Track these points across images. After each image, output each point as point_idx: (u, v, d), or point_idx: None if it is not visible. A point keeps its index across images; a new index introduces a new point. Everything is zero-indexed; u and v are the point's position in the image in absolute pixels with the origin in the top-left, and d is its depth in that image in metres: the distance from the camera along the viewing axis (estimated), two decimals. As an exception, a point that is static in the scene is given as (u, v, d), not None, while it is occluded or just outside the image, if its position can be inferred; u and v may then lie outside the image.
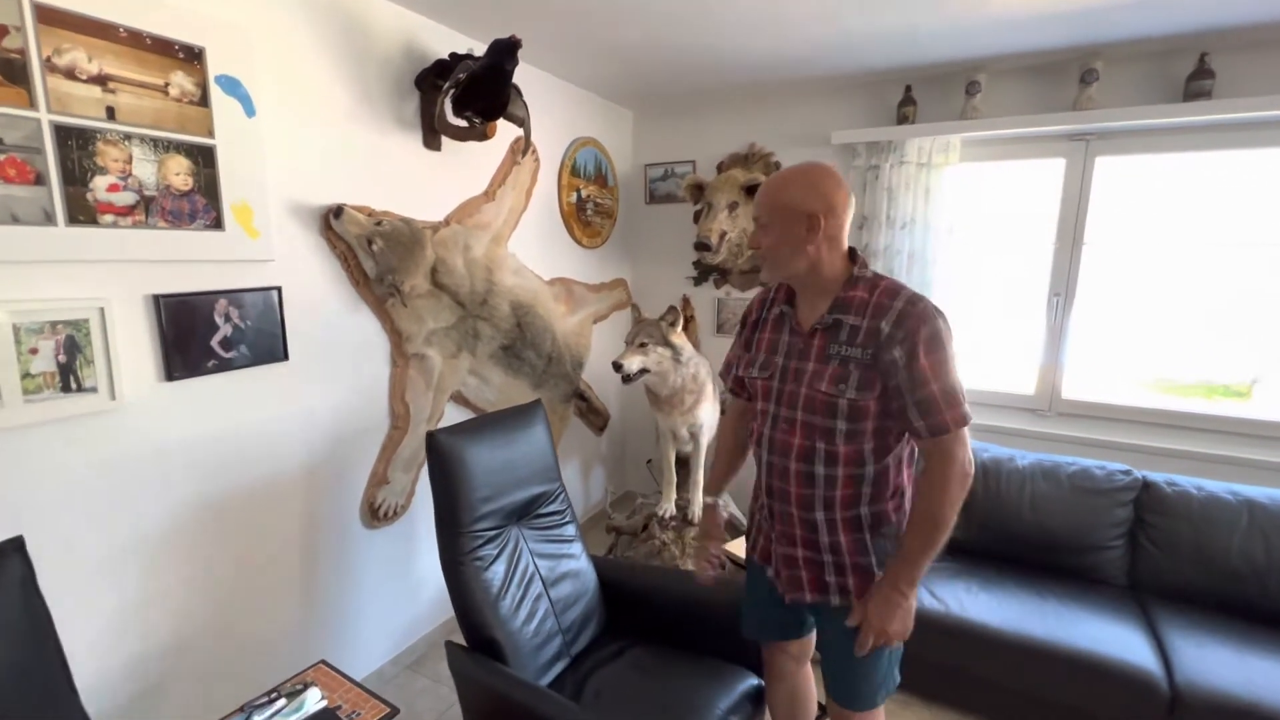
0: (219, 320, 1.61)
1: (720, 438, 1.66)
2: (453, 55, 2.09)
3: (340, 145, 1.89)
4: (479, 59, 1.98)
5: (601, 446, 3.55)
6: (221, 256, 1.59)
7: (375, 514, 2.12)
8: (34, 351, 1.29)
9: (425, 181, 2.19)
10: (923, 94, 2.71)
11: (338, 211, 1.82)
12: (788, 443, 1.27)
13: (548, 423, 2.03)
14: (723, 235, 2.86)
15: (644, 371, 2.18)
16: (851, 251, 1.27)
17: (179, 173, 1.48)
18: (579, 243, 3.09)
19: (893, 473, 1.25)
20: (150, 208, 1.43)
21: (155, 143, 1.43)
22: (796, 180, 1.22)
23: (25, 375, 1.28)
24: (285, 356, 1.78)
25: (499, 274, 2.46)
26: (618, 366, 2.10)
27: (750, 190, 2.87)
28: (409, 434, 2.19)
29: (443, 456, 1.67)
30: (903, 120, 2.73)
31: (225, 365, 1.64)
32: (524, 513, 1.88)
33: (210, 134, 1.53)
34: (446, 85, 1.97)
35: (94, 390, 1.38)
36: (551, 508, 1.96)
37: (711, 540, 1.61)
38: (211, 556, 1.67)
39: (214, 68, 1.52)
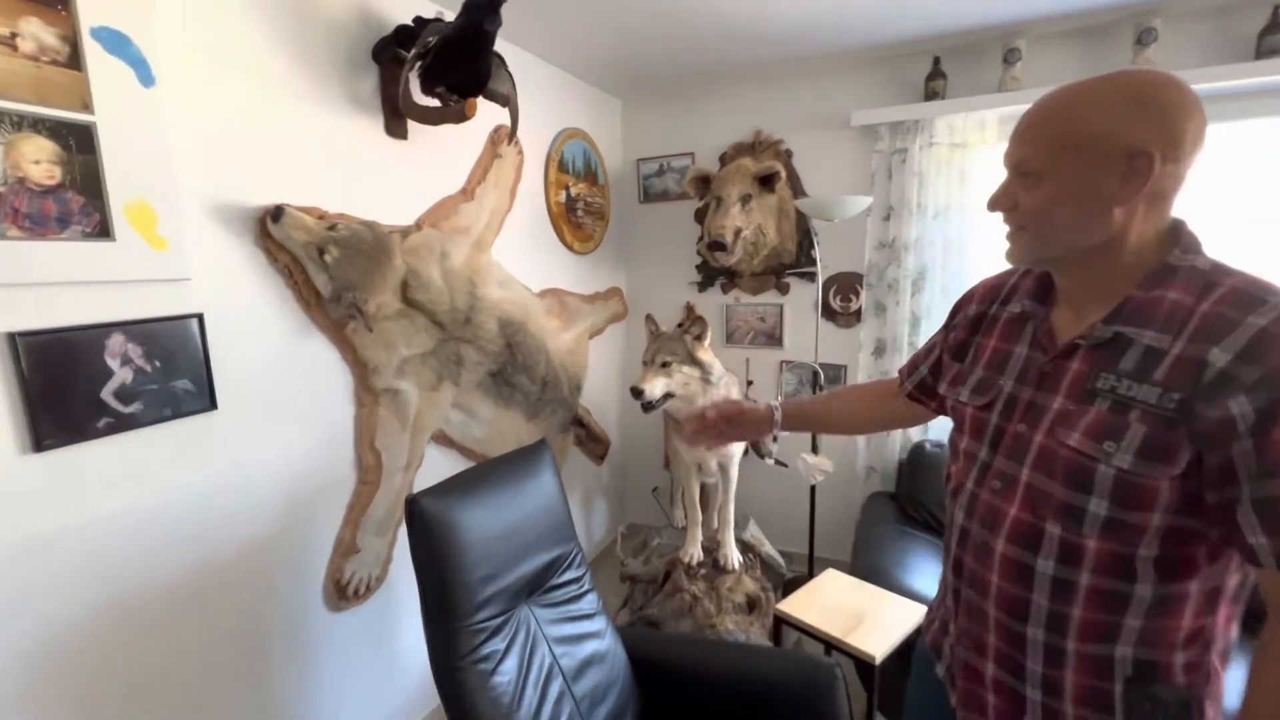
0: (112, 363, 1.18)
1: (847, 391, 1.35)
2: (417, 20, 1.69)
3: (279, 129, 1.48)
4: (451, 22, 1.59)
5: (603, 476, 3.15)
6: (112, 275, 1.16)
7: (343, 592, 1.69)
8: None
9: (390, 176, 1.78)
10: (953, 66, 2.41)
11: (276, 213, 1.40)
12: (998, 511, 0.85)
13: (556, 466, 1.63)
14: (737, 232, 2.51)
15: (668, 397, 1.81)
16: (1176, 225, 0.79)
17: (39, 160, 1.05)
18: (570, 248, 2.71)
19: (1194, 608, 0.75)
20: (-6, 209, 1.00)
21: (-1, 117, 1.00)
22: (1112, 95, 0.73)
23: None
24: (212, 404, 1.35)
25: (483, 287, 2.05)
26: (638, 393, 1.72)
27: (765, 180, 2.53)
28: (381, 488, 1.77)
29: (429, 529, 1.26)
30: (931, 96, 2.43)
31: (125, 423, 1.20)
32: (535, 586, 1.48)
33: (86, 107, 1.10)
34: (412, 54, 1.57)
35: (-90, 477, 0.94)
36: (567, 575, 1.57)
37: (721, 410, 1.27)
38: (116, 679, 1.23)
39: (89, 17, 1.10)
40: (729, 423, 1.27)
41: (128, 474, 1.22)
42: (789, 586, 2.43)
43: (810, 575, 2.77)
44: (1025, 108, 0.83)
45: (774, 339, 2.94)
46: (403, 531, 1.85)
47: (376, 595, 1.80)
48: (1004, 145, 0.85)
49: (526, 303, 2.31)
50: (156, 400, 1.25)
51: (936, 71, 2.41)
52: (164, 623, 1.30)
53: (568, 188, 2.65)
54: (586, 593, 1.60)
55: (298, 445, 1.57)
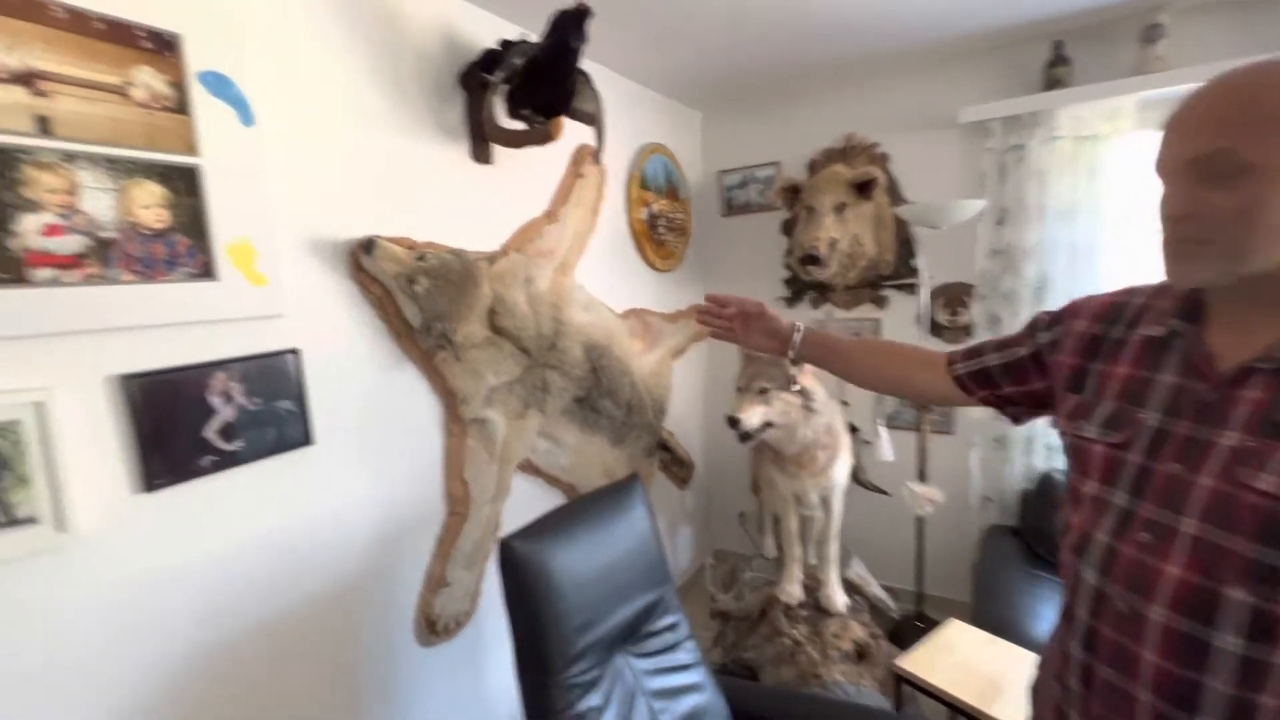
0: (215, 401, 1.18)
1: (882, 344, 1.23)
2: (503, 43, 1.67)
3: (368, 160, 1.47)
4: (536, 43, 1.55)
5: (687, 502, 3.03)
6: (215, 315, 1.17)
7: (433, 628, 1.65)
8: (-67, 476, 0.87)
9: (475, 202, 1.76)
10: (1079, 50, 2.15)
11: (368, 246, 1.39)
12: (1151, 571, 0.70)
13: (648, 501, 1.53)
14: (832, 244, 2.34)
15: (767, 426, 1.67)
16: None
17: (149, 205, 1.06)
18: (652, 266, 2.62)
19: None
20: (108, 255, 1.02)
21: (113, 164, 1.02)
22: None
23: (-81, 513, 0.86)
24: (308, 440, 1.34)
25: (568, 310, 2.00)
26: (734, 422, 1.60)
27: (861, 188, 2.35)
28: (470, 519, 1.73)
29: (523, 574, 1.18)
30: (1053, 84, 2.18)
31: (227, 461, 1.20)
32: (629, 634, 1.38)
33: (193, 150, 1.12)
34: (499, 76, 1.54)
35: (31, 522, 0.96)
36: (663, 620, 1.45)
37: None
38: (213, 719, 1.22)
39: (195, 61, 1.12)
40: (745, 321, 1.19)
41: (230, 512, 1.22)
42: (899, 631, 2.21)
43: (920, 616, 2.52)
44: (1173, 91, 0.67)
45: (871, 356, 2.72)
46: (490, 565, 1.82)
47: (465, 631, 1.75)
48: (1142, 134, 0.69)
49: (610, 325, 2.23)
50: (257, 437, 1.25)
51: (1059, 58, 2.16)
52: (259, 661, 1.29)
53: (649, 204, 2.58)
54: (684, 640, 1.48)
55: (390, 478, 1.55)
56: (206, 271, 1.14)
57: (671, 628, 1.46)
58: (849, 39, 2.21)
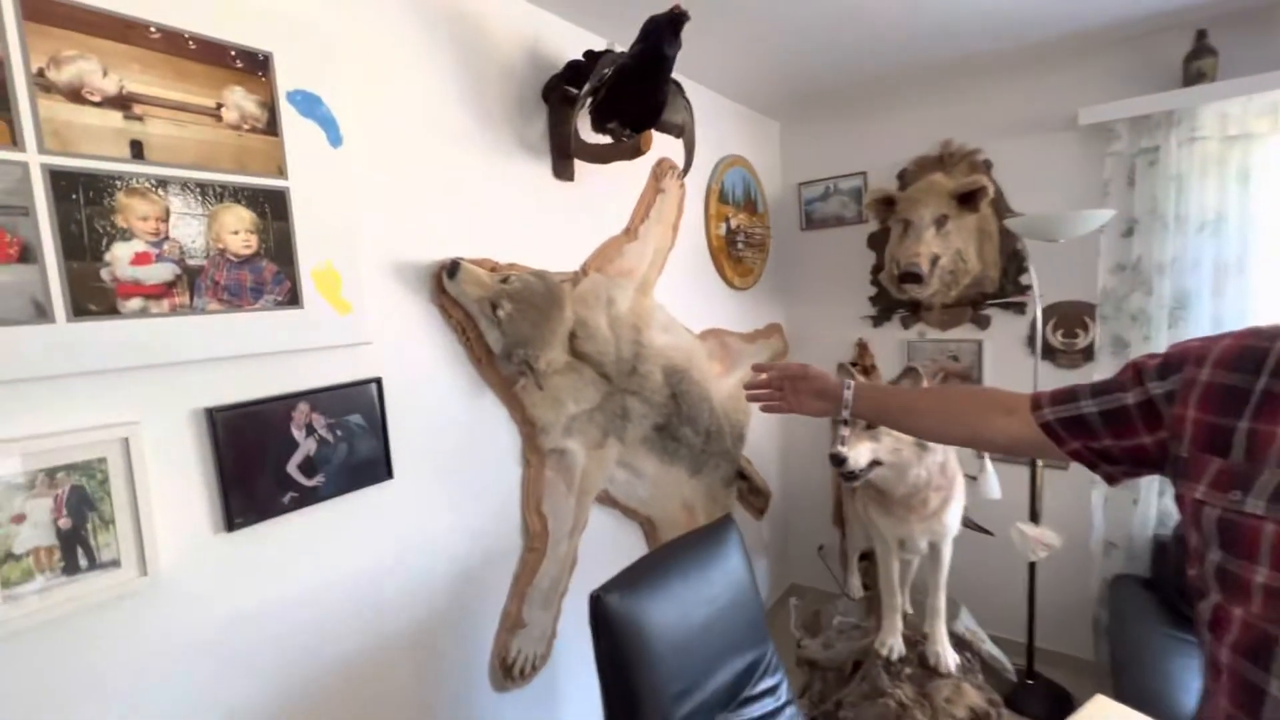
0: (298, 434, 1.12)
1: (947, 391, 1.10)
2: (588, 54, 1.59)
3: (450, 179, 1.41)
4: (625, 52, 1.46)
5: (763, 532, 2.85)
6: (299, 344, 1.11)
7: (509, 672, 1.55)
8: (19, 519, 0.83)
9: (556, 221, 1.68)
10: (1227, 39, 1.90)
11: (452, 269, 1.32)
12: None
13: (744, 545, 1.39)
14: (934, 260, 2.15)
15: (875, 465, 1.50)
16: None
17: (238, 230, 1.02)
18: (730, 284, 2.49)
19: None
20: (196, 284, 0.97)
21: (204, 189, 0.98)
22: None
23: (4, 558, 0.81)
24: (389, 474, 1.27)
25: (648, 332, 1.89)
26: (839, 460, 1.44)
27: (965, 199, 2.15)
28: (548, 556, 1.63)
29: (618, 635, 1.06)
30: (1195, 79, 1.92)
31: (308, 497, 1.14)
32: (729, 698, 1.23)
33: (281, 172, 1.07)
34: (586, 89, 1.45)
35: (114, 565, 0.91)
36: (764, 683, 1.31)
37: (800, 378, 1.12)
38: (293, 774, 1.15)
39: (285, 81, 1.07)
40: (792, 386, 1.13)
41: (309, 551, 1.16)
42: (1014, 695, 1.97)
43: (1030, 673, 2.26)
44: None
45: (971, 381, 2.49)
46: (567, 604, 1.71)
47: (540, 676, 1.64)
48: None
49: (689, 347, 2.11)
50: (338, 472, 1.18)
51: (1202, 48, 1.91)
52: (337, 703, 1.21)
53: (728, 219, 2.45)
54: (786, 705, 1.32)
55: (467, 513, 1.47)
56: (292, 299, 1.09)
57: (772, 691, 1.31)
58: (949, 39, 2.03)
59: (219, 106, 0.99)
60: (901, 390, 1.07)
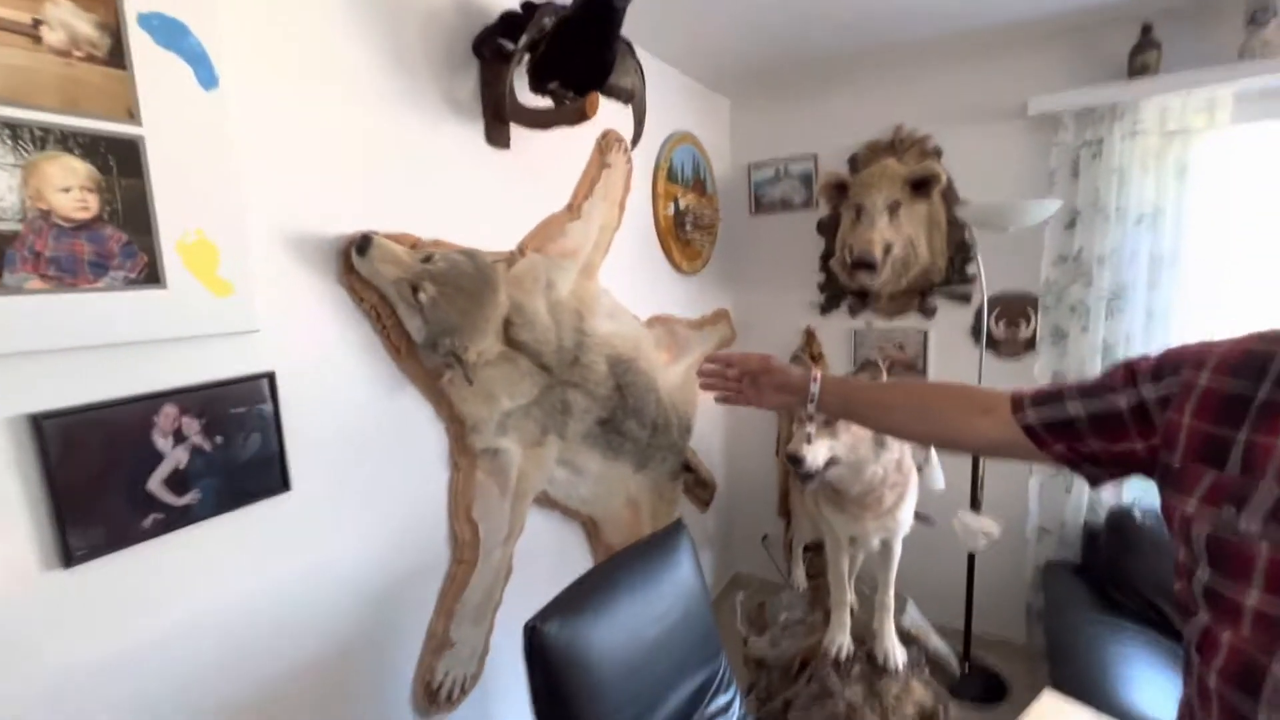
0: (162, 443, 0.91)
1: (918, 387, 1.02)
2: (526, 5, 1.40)
3: (363, 140, 1.21)
4: (567, 3, 1.28)
5: (708, 524, 2.78)
6: (161, 332, 0.90)
7: (434, 697, 1.39)
8: None
9: (490, 193, 1.50)
10: (1171, 33, 1.91)
11: (363, 244, 1.12)
12: None
13: (694, 550, 1.28)
14: (887, 248, 2.09)
15: (832, 463, 1.42)
16: None
17: (69, 187, 0.80)
18: (678, 268, 2.37)
19: None
20: (7, 255, 0.75)
21: (14, 131, 0.75)
22: None
23: None
24: (285, 485, 1.08)
25: (591, 319, 1.74)
26: (797, 460, 1.35)
27: (918, 186, 2.10)
28: (479, 567, 1.47)
29: (557, 670, 0.93)
30: (1140, 72, 1.93)
31: (178, 518, 0.94)
32: (680, 723, 1.12)
33: (132, 116, 0.85)
34: (523, 42, 1.27)
35: (-110, 624, 0.69)
36: (717, 701, 1.21)
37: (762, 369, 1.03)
38: None
39: (137, 0, 0.85)
40: (752, 381, 1.03)
41: (182, 582, 0.96)
42: (956, 687, 1.97)
43: (966, 656, 2.29)
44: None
45: (915, 370, 2.48)
46: (502, 616, 1.56)
47: (470, 698, 1.49)
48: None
49: (636, 335, 1.97)
50: (218, 486, 0.98)
51: (1147, 41, 1.91)
52: (225, 763, 1.03)
53: (676, 199, 2.32)
54: (738, 723, 1.23)
55: (384, 524, 1.29)
56: (151, 276, 0.87)
57: (725, 710, 1.22)
58: (904, 20, 1.96)
59: (36, 24, 0.76)
60: (869, 384, 0.98)
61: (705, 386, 1.10)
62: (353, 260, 1.14)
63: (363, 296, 1.19)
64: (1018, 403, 0.80)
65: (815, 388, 0.95)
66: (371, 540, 1.26)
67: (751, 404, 1.04)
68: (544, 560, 1.73)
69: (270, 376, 1.05)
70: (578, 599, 1.02)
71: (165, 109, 0.88)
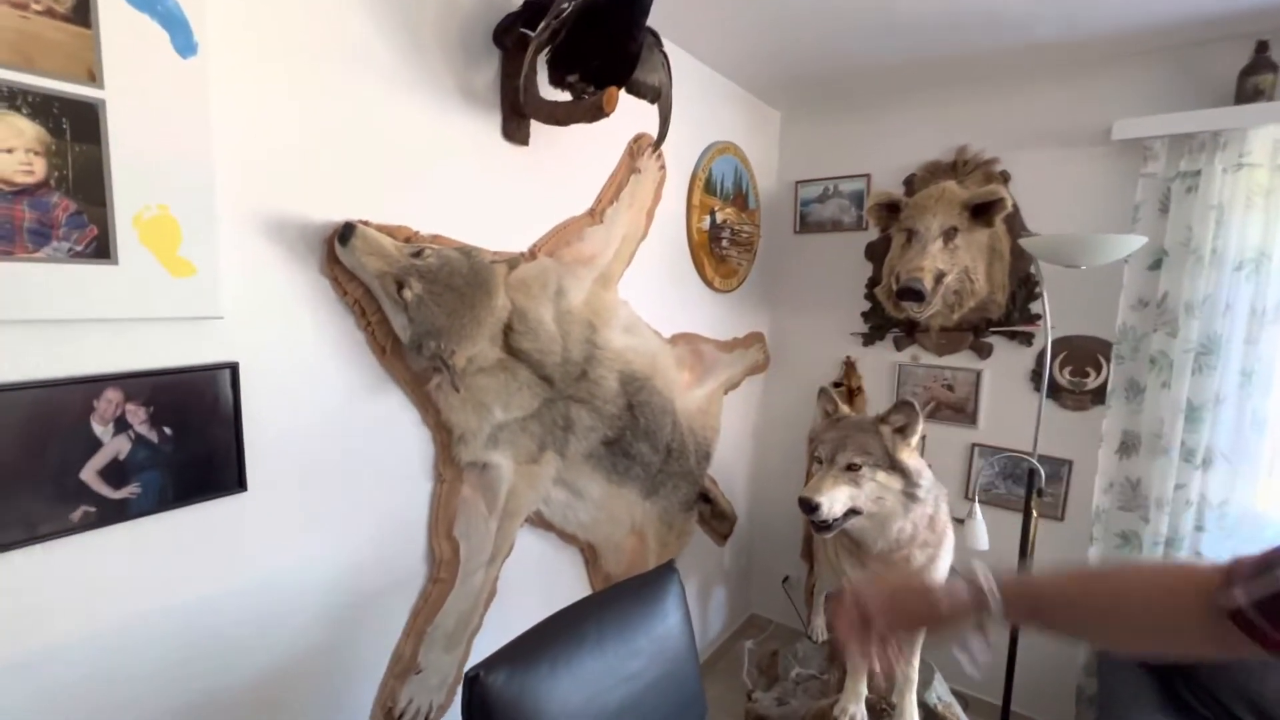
0: (101, 430, 0.85)
1: (1127, 571, 0.71)
2: (552, -8, 1.31)
3: (365, 125, 1.14)
4: (593, -10, 1.19)
5: (724, 559, 2.60)
6: (108, 311, 0.84)
7: (394, 727, 1.29)
8: None
9: (504, 191, 1.41)
10: (1291, 53, 1.67)
11: (345, 233, 1.05)
12: None
13: (685, 601, 1.14)
14: (939, 277, 1.90)
15: (852, 514, 1.25)
16: None
17: (13, 148, 0.74)
18: (709, 284, 2.23)
19: None
20: (-65, 215, 0.70)
21: (-43, 84, 0.70)
22: None
23: None
24: (240, 485, 1.00)
25: (605, 332, 1.63)
26: (811, 507, 1.19)
27: (978, 211, 1.91)
28: (457, 588, 1.37)
29: (495, 731, 0.80)
30: (1251, 96, 1.69)
31: (114, 513, 0.87)
32: (645, 802, 0.98)
33: (93, 78, 0.79)
34: (541, 30, 1.18)
35: None
36: (693, 777, 1.05)
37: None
38: None
39: (112, -45, 0.79)
40: (902, 619, 0.74)
41: (113, 584, 0.89)
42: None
43: (1003, 743, 2.03)
44: None
45: (964, 414, 2.26)
46: (480, 644, 1.45)
47: (437, 730, 1.38)
48: None
49: (655, 352, 1.85)
50: (162, 481, 0.91)
51: (1261, 61, 1.67)
52: (146, 782, 0.95)
53: (713, 212, 2.19)
54: (717, 806, 1.07)
55: (355, 534, 1.20)
56: (100, 250, 0.81)
57: (702, 786, 1.06)
58: (971, 32, 1.78)
59: (-8, -28, 0.71)
60: (1064, 578, 0.68)
61: (846, 633, 0.76)
62: (336, 250, 1.06)
63: (346, 289, 1.11)
64: (1227, 578, 0.56)
65: (995, 602, 0.67)
66: (339, 550, 1.17)
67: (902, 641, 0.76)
68: (535, 586, 1.61)
69: (233, 367, 0.97)
70: (534, 648, 0.90)
71: (133, 74, 0.82)
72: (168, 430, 0.91)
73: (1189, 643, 0.60)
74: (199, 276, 0.90)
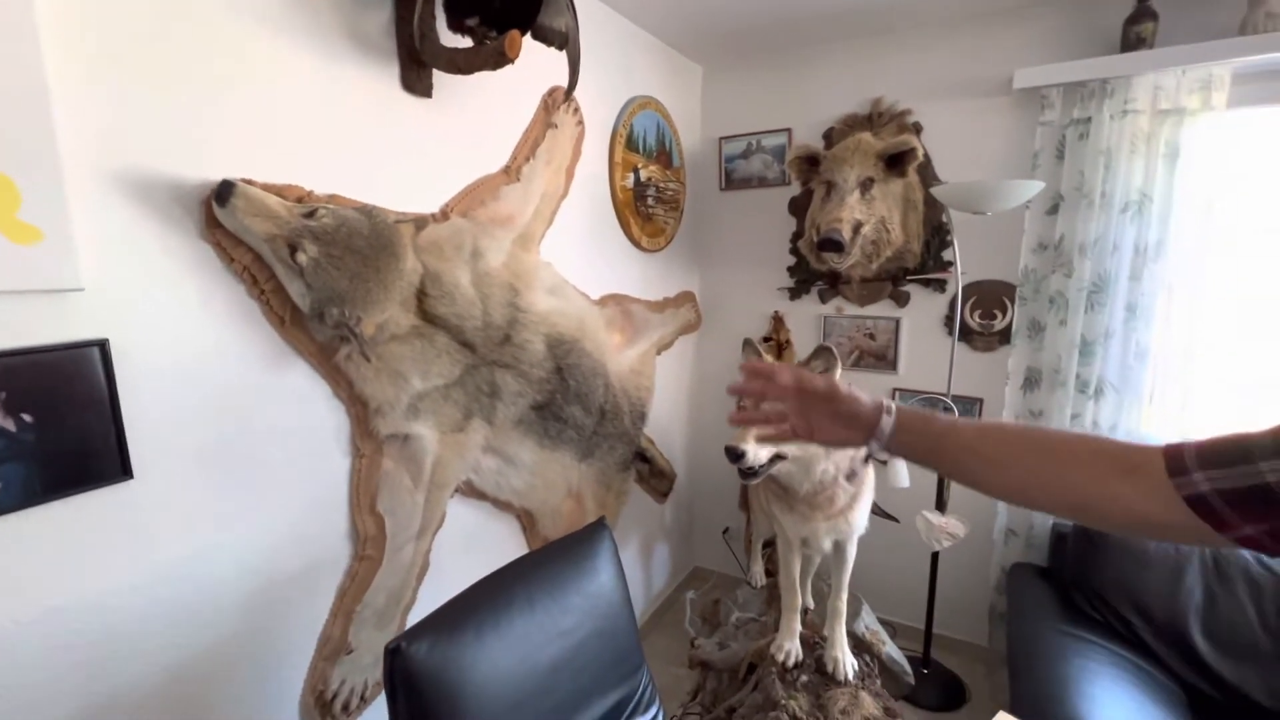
0: (-57, 421, 0.75)
1: (1028, 431, 0.71)
2: (446, -73, 1.22)
3: (244, 72, 1.03)
4: (489, -76, 1.11)
5: (665, 516, 2.65)
6: (-65, 286, 0.73)
7: (328, 709, 1.25)
8: None
9: (407, 147, 1.33)
10: (1170, 4, 1.76)
11: (224, 192, 0.95)
12: None
13: (617, 556, 1.14)
14: (857, 227, 1.95)
15: (777, 460, 1.29)
16: None
17: None
18: (637, 244, 2.21)
19: None
20: None
21: None
22: None
23: None
24: (125, 473, 0.92)
25: (528, 294, 1.58)
26: (737, 456, 1.21)
27: (893, 162, 1.95)
28: (385, 564, 1.33)
29: (423, 695, 0.79)
30: (1134, 44, 1.79)
31: (-30, 511, 0.78)
32: (585, 752, 0.99)
33: (-118, 10, 0.67)
34: (433, -33, 1.10)
35: None
36: (633, 723, 1.07)
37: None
38: None
39: None
40: (809, 403, 0.77)
41: (-24, 588, 0.80)
42: (911, 695, 1.87)
43: (926, 661, 2.19)
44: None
45: (885, 360, 2.36)
46: (414, 619, 1.42)
47: (373, 708, 1.35)
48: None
49: (582, 314, 1.82)
50: (27, 474, 0.82)
51: (1144, 10, 1.77)
52: (44, 794, 0.88)
53: (637, 169, 2.15)
54: (658, 748, 1.10)
55: (268, 516, 1.13)
56: (-84, 215, 0.70)
57: (642, 732, 1.09)
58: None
59: None
60: (962, 424, 0.72)
61: (740, 418, 0.86)
62: (215, 212, 0.97)
63: (233, 256, 1.02)
64: (1175, 461, 0.57)
65: (889, 421, 0.72)
66: (249, 535, 1.11)
67: (809, 439, 0.79)
68: (471, 555, 1.58)
69: (102, 344, 0.88)
70: (459, 615, 0.88)
71: (-65, 5, 0.70)
72: (27, 417, 0.82)
73: (1115, 505, 0.61)
74: (47, 242, 0.80)
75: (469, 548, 1.58)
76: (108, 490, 0.91)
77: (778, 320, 2.52)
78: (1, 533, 0.82)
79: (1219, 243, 1.83)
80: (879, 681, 1.68)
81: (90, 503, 0.89)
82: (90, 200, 0.86)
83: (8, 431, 0.80)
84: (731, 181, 2.57)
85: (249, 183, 1.00)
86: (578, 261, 1.87)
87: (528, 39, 1.19)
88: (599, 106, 1.95)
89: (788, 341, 2.50)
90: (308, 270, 1.02)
